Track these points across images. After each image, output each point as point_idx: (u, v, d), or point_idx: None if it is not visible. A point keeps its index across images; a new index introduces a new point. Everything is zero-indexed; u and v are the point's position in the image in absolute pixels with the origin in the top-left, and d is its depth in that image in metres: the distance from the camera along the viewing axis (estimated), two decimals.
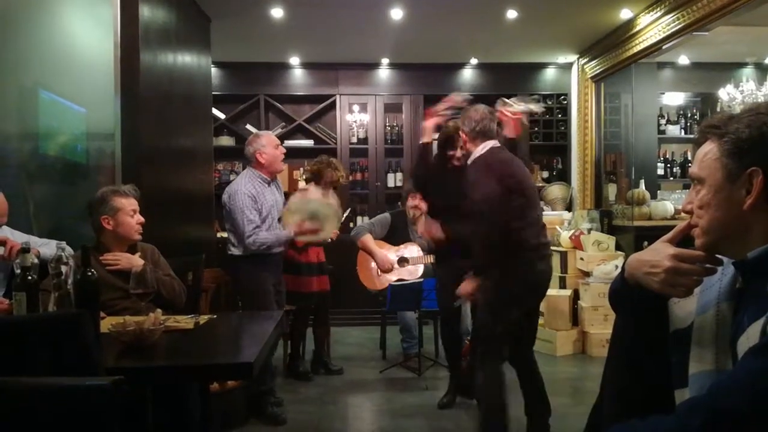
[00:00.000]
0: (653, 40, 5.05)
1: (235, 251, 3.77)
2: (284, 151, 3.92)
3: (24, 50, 3.59)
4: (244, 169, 6.50)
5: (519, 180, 3.11)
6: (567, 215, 6.27)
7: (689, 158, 6.37)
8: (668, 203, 5.73)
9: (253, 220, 3.65)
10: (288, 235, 3.72)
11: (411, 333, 4.76)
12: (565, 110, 6.89)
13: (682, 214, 1.23)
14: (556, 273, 5.54)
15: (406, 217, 4.83)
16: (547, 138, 6.90)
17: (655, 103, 6.49)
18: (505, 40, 5.94)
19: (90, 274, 2.07)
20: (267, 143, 3.80)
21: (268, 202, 3.77)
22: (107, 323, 2.17)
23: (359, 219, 6.66)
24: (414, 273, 4.74)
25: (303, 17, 5.19)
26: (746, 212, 1.11)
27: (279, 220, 3.85)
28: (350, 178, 6.77)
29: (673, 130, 6.60)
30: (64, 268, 2.14)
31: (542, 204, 6.11)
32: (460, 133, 3.34)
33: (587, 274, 5.37)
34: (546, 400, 3.31)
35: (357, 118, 6.82)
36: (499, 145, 3.24)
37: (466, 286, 3.14)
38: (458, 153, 3.58)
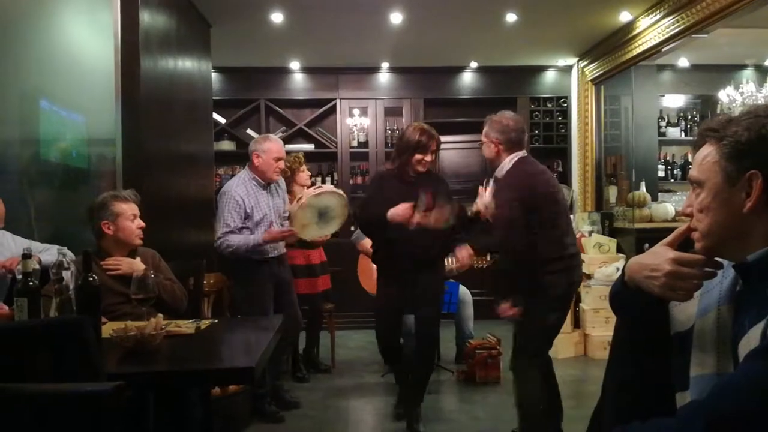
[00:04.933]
0: (653, 42, 5.06)
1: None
2: (282, 166, 3.83)
3: (25, 57, 3.60)
4: (234, 180, 6.53)
5: (542, 193, 3.05)
6: None
7: (690, 160, 6.36)
8: (669, 205, 5.73)
9: (228, 224, 3.63)
10: (256, 240, 3.63)
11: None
12: (565, 113, 6.89)
13: (683, 217, 1.23)
14: None
15: None
16: (548, 141, 6.90)
17: (655, 106, 6.49)
18: (505, 44, 5.95)
19: (91, 279, 2.07)
20: (268, 150, 3.72)
21: (262, 207, 3.73)
22: (109, 328, 2.18)
23: None
24: None
25: (303, 22, 5.20)
26: (746, 215, 1.10)
27: (288, 218, 3.76)
28: (351, 182, 6.78)
29: (674, 133, 6.60)
30: (65, 274, 2.14)
31: None
32: (486, 139, 3.19)
33: (588, 277, 5.36)
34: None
35: (357, 121, 6.82)
36: (526, 155, 3.17)
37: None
38: (428, 158, 3.42)
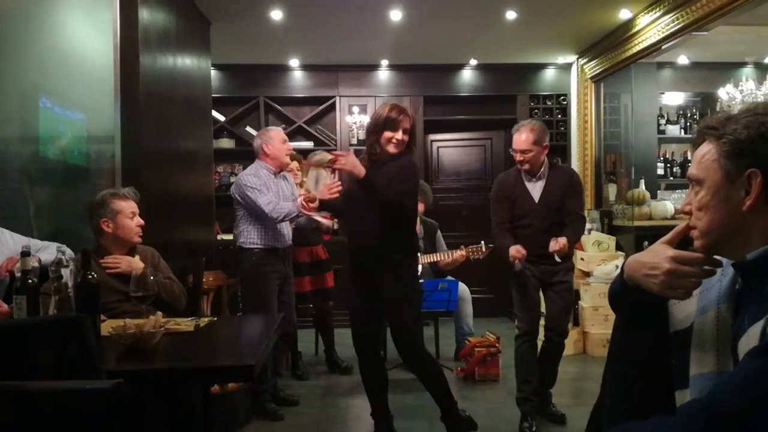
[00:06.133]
0: (652, 40, 5.05)
1: (243, 243, 3.80)
2: (291, 147, 4.01)
3: (24, 54, 3.59)
4: (244, 170, 6.51)
5: None
6: None
7: (689, 158, 6.36)
8: (668, 203, 5.73)
9: (266, 193, 3.71)
10: (297, 206, 3.70)
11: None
12: (565, 110, 6.89)
13: (682, 215, 1.23)
14: None
15: None
16: None
17: (655, 103, 6.48)
18: (505, 41, 5.94)
19: (90, 277, 2.07)
20: (274, 137, 3.90)
21: (272, 190, 3.82)
22: (108, 326, 2.18)
23: None
24: None
25: (302, 19, 5.20)
26: (745, 213, 1.10)
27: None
28: None
29: (673, 130, 6.60)
30: (64, 272, 2.14)
31: None
32: (536, 147, 3.45)
33: (588, 275, 5.37)
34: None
35: (357, 119, 6.82)
36: None
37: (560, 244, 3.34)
38: (399, 136, 3.13)
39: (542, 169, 3.55)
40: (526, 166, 3.51)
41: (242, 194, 3.77)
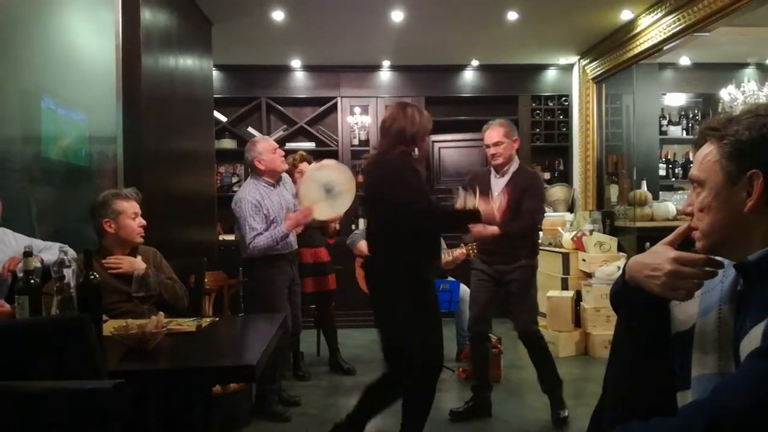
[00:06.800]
0: (654, 41, 5.05)
1: (246, 254, 3.79)
2: (282, 153, 3.92)
3: (26, 54, 3.60)
4: (245, 171, 6.53)
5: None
6: (569, 216, 6.27)
7: (691, 159, 6.35)
8: (670, 204, 5.73)
9: (255, 228, 3.67)
10: (281, 231, 3.71)
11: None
12: (567, 111, 6.89)
13: (684, 216, 1.23)
14: (558, 274, 5.54)
15: None
16: (549, 139, 6.89)
17: (657, 104, 6.48)
18: (506, 42, 5.94)
19: (92, 277, 2.07)
20: (263, 149, 3.80)
21: (274, 205, 3.79)
22: (110, 326, 2.18)
23: (361, 222, 6.66)
24: None
25: (304, 20, 5.20)
26: (747, 215, 1.10)
27: (295, 196, 3.90)
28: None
29: (675, 131, 6.59)
30: (66, 272, 2.14)
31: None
32: (507, 139, 3.63)
33: (589, 276, 5.37)
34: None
35: (358, 120, 6.82)
36: None
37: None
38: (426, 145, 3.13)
39: (508, 167, 3.67)
40: (499, 160, 3.65)
41: (237, 218, 3.76)
